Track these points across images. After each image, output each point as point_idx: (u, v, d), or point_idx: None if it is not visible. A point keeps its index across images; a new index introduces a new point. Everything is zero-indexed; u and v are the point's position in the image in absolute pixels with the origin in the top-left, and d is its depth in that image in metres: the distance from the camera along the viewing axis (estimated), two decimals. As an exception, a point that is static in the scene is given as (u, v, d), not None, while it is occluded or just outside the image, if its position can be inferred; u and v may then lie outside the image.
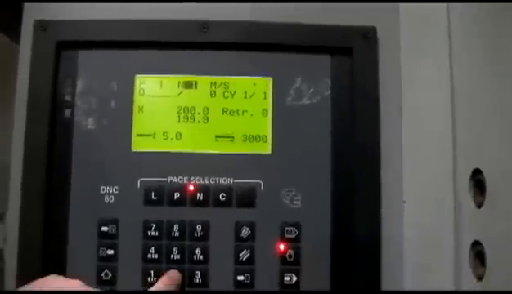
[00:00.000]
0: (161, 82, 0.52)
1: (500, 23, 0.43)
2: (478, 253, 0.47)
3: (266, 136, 0.51)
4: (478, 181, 0.47)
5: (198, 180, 0.51)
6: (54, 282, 0.42)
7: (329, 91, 0.52)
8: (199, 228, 0.50)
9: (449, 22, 0.51)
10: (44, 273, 0.48)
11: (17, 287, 0.48)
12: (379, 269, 0.49)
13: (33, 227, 0.49)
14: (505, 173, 0.43)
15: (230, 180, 0.51)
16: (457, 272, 0.48)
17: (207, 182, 0.51)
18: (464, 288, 0.48)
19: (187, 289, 0.49)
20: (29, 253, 0.49)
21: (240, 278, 0.49)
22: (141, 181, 0.51)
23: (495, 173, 0.44)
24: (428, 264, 0.49)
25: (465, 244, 0.48)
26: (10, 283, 0.50)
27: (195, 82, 0.52)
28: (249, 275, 0.49)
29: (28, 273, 0.48)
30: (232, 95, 0.52)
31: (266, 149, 0.51)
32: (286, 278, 0.50)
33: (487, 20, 0.45)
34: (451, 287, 0.48)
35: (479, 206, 0.46)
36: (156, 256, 0.50)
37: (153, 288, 0.46)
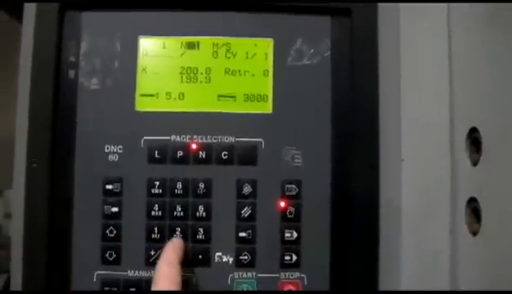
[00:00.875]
0: (164, 43, 0.53)
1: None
2: (473, 209, 0.48)
3: (267, 96, 0.52)
4: (474, 139, 0.48)
5: (200, 139, 0.52)
6: None
7: (329, 52, 0.53)
8: (201, 185, 0.51)
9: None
10: (50, 232, 0.50)
11: (24, 250, 0.50)
12: (377, 224, 0.51)
13: (38, 187, 0.50)
14: (501, 131, 0.44)
15: (232, 139, 0.52)
16: (453, 228, 0.50)
17: (209, 140, 0.52)
18: (461, 244, 0.49)
19: (191, 244, 0.50)
20: (35, 214, 0.50)
21: (242, 234, 0.51)
22: (145, 140, 0.51)
23: (491, 131, 0.45)
24: (425, 219, 0.50)
25: (461, 201, 0.49)
26: (16, 249, 0.51)
27: (198, 43, 0.53)
28: (250, 231, 0.51)
29: (34, 233, 0.50)
30: (234, 56, 0.52)
31: (267, 108, 0.52)
32: (287, 235, 0.51)
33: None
34: (447, 243, 0.50)
35: (475, 163, 0.48)
36: (160, 213, 0.51)
37: (160, 264, 0.46)
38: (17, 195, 0.51)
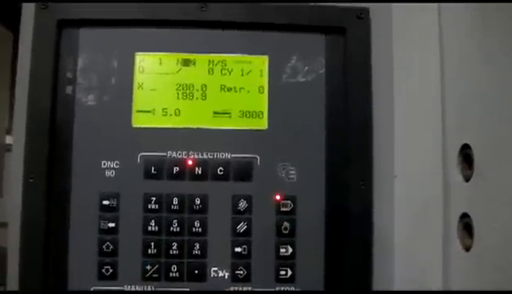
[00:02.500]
0: (160, 59, 0.53)
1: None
2: (465, 225, 0.48)
3: (262, 112, 0.53)
4: (466, 155, 0.49)
5: (196, 155, 0.52)
6: None
7: (323, 69, 0.53)
8: (197, 201, 0.51)
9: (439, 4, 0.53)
10: (47, 247, 0.50)
11: (20, 264, 0.50)
12: (371, 240, 0.51)
13: (35, 202, 0.50)
14: (492, 148, 0.44)
15: (227, 155, 0.52)
16: (446, 243, 0.50)
17: (205, 157, 0.52)
18: (453, 259, 0.50)
19: (187, 260, 0.51)
20: (32, 228, 0.50)
21: (238, 249, 0.51)
22: (141, 156, 0.52)
23: (482, 148, 0.46)
24: (418, 236, 0.51)
25: (454, 216, 0.50)
26: (13, 262, 0.51)
27: (194, 60, 0.53)
28: (246, 247, 0.51)
29: (31, 247, 0.50)
30: (229, 73, 0.53)
31: (262, 124, 0.53)
32: (282, 250, 0.51)
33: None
34: (439, 258, 0.50)
35: (467, 179, 0.48)
36: (156, 229, 0.51)
37: None
38: (13, 208, 0.51)
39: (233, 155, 0.52)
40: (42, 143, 0.51)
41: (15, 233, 0.51)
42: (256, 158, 0.52)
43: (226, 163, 0.52)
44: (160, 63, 0.53)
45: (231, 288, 0.51)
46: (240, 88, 0.53)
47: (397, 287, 0.50)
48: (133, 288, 0.51)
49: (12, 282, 0.51)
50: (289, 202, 0.52)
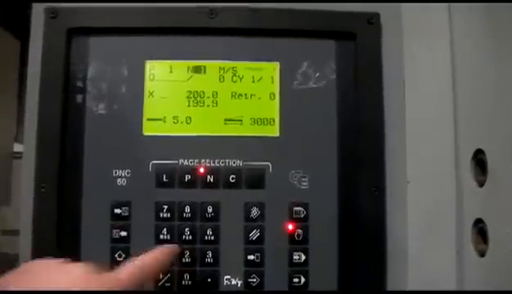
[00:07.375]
0: (171, 67, 0.53)
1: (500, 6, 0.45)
2: (480, 230, 0.48)
3: (274, 119, 0.53)
4: (479, 161, 0.49)
5: (208, 163, 0.52)
6: (46, 270, 0.39)
7: (334, 75, 0.53)
8: (209, 209, 0.51)
9: (449, 7, 0.53)
10: (58, 256, 0.50)
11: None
12: (384, 247, 0.51)
13: (47, 212, 0.50)
14: (506, 153, 0.44)
15: (239, 162, 0.52)
16: (460, 249, 0.50)
17: (217, 164, 0.52)
18: (467, 265, 0.49)
19: (199, 268, 0.51)
20: (44, 237, 0.50)
21: (251, 257, 0.51)
22: (153, 164, 0.52)
23: (496, 153, 0.46)
24: (431, 242, 0.51)
25: (468, 222, 0.49)
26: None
27: (204, 67, 0.53)
28: (258, 254, 0.51)
29: (42, 257, 0.49)
30: (240, 80, 0.53)
31: (274, 131, 0.52)
32: (295, 257, 0.51)
33: (487, 4, 0.47)
34: (453, 264, 0.50)
35: (481, 185, 0.48)
36: (168, 237, 0.51)
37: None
38: (24, 216, 0.51)
39: (245, 162, 0.52)
40: (53, 152, 0.51)
41: (26, 242, 0.51)
42: (268, 165, 0.52)
43: (238, 171, 0.52)
44: (171, 71, 0.53)
45: (244, 296, 0.51)
46: (252, 95, 0.53)
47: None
48: (146, 297, 0.51)
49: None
50: (302, 209, 0.51)
